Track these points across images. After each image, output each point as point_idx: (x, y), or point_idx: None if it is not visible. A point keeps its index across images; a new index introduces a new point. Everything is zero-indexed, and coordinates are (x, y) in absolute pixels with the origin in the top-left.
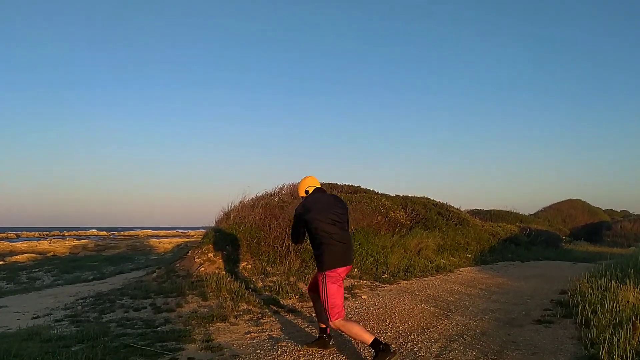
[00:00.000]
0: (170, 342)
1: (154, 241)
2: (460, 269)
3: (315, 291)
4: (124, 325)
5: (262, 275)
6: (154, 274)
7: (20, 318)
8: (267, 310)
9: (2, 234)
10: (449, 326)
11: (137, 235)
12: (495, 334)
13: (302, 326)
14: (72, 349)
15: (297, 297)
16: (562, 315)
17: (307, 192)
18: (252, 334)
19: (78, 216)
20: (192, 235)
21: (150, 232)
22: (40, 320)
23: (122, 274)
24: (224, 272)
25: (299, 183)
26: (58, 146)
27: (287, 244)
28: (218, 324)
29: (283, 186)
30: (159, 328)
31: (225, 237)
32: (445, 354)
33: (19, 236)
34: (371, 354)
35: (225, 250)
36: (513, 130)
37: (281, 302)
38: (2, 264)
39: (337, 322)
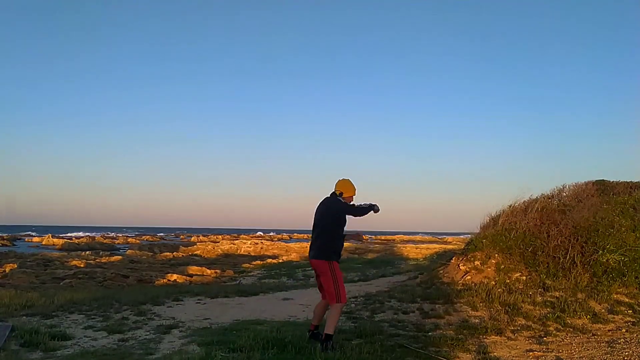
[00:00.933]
0: (443, 348)
1: (410, 246)
2: None
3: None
4: (396, 326)
5: (541, 289)
6: (417, 279)
7: (305, 310)
8: (550, 329)
9: (278, 235)
10: None
11: (393, 239)
12: None
13: (596, 352)
14: (353, 342)
15: (588, 317)
16: None
17: (341, 194)
18: (535, 352)
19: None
20: (450, 242)
21: (404, 237)
22: None
23: (384, 277)
24: (493, 282)
25: (349, 182)
26: None
27: (571, 255)
28: (493, 337)
29: (564, 187)
30: (429, 333)
31: (493, 245)
32: None
33: (292, 237)
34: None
35: (494, 258)
36: None
37: (568, 321)
38: (281, 262)
39: (341, 305)
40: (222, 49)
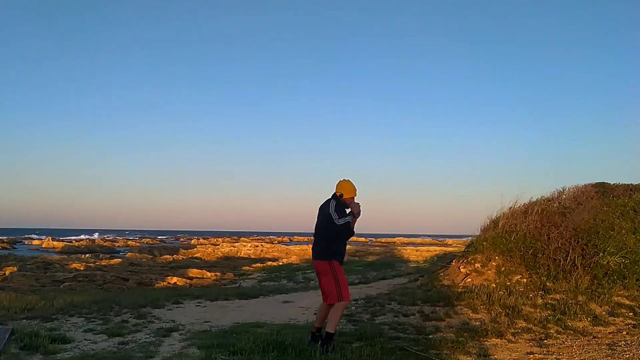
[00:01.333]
0: (443, 351)
1: (410, 249)
2: None
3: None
4: (396, 329)
5: (541, 292)
6: (418, 282)
7: (305, 313)
8: (551, 331)
9: (278, 238)
10: None
11: (393, 242)
12: None
13: (597, 354)
14: (353, 345)
15: (589, 319)
16: None
17: (341, 195)
18: (536, 355)
19: None
20: (451, 244)
21: (405, 239)
22: None
23: (384, 279)
24: (493, 285)
25: (349, 183)
26: None
27: (571, 258)
28: (494, 339)
29: (564, 189)
30: (430, 336)
31: (493, 247)
32: None
33: (292, 240)
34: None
35: (494, 261)
36: None
37: (568, 323)
38: (281, 265)
39: (344, 303)
40: (221, 49)
